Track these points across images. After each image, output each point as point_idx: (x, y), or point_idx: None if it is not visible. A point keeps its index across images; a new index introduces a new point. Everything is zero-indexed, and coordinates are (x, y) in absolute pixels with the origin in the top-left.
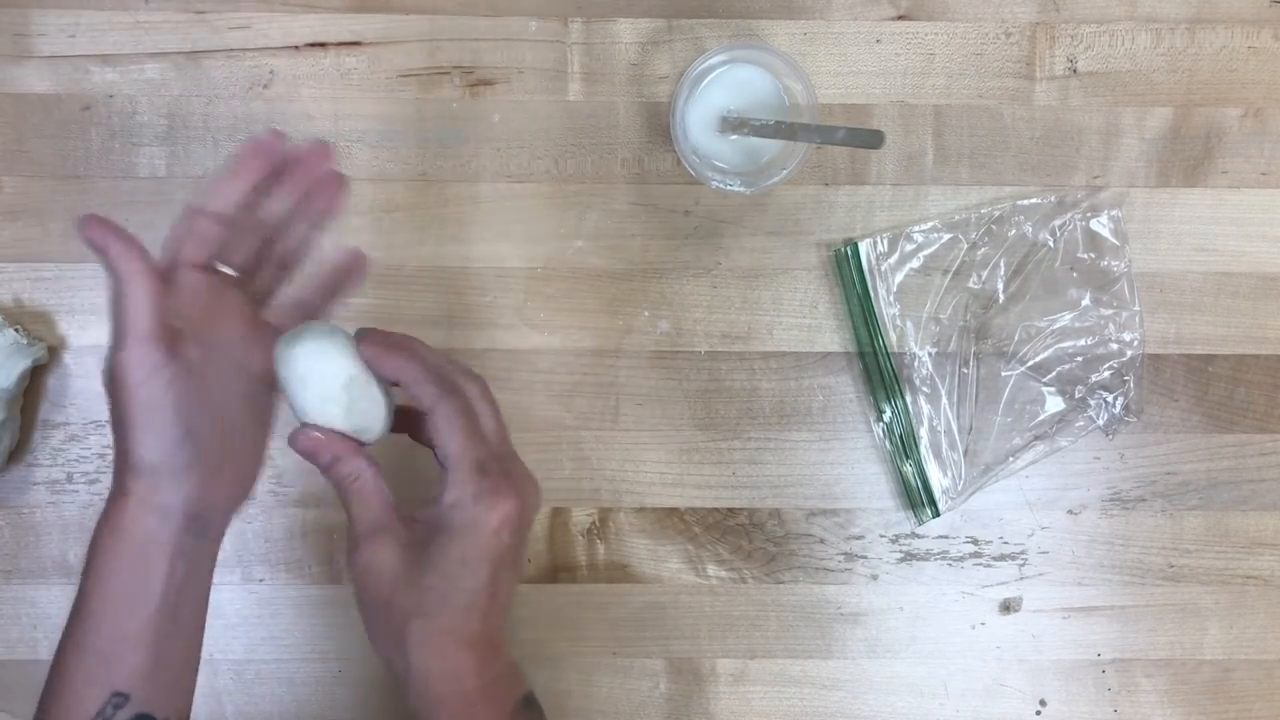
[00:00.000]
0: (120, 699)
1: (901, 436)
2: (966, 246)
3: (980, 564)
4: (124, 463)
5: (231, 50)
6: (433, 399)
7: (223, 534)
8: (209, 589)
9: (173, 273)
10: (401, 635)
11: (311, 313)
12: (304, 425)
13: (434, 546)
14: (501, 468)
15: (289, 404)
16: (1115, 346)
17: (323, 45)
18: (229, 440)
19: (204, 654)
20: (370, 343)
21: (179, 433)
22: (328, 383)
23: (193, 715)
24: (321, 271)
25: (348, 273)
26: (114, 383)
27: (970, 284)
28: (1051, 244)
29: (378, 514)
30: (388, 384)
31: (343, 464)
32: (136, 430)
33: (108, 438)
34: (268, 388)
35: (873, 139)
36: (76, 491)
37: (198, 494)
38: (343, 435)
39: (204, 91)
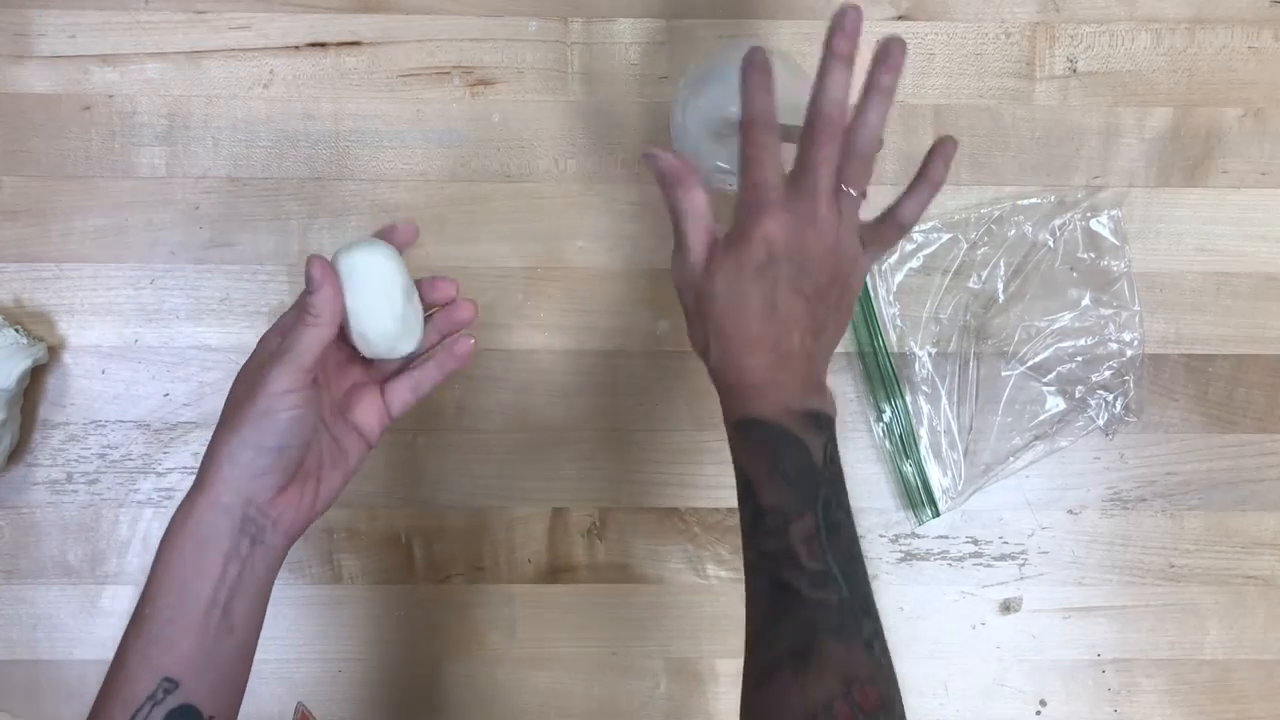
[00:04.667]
0: (170, 684)
1: (901, 436)
2: (966, 246)
3: (980, 564)
4: (212, 457)
5: (231, 50)
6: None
7: (280, 553)
8: (264, 605)
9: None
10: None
11: (421, 392)
12: (648, 154)
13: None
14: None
15: (349, 312)
16: (1115, 346)
17: (323, 45)
18: (308, 470)
19: None
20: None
21: (275, 444)
22: (385, 288)
23: None
24: (432, 357)
25: (454, 358)
26: (250, 388)
27: (970, 284)
28: (1051, 244)
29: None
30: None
31: (685, 189)
32: (244, 428)
33: (108, 437)
34: (359, 443)
35: None
36: (76, 491)
37: (261, 502)
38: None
39: (204, 91)
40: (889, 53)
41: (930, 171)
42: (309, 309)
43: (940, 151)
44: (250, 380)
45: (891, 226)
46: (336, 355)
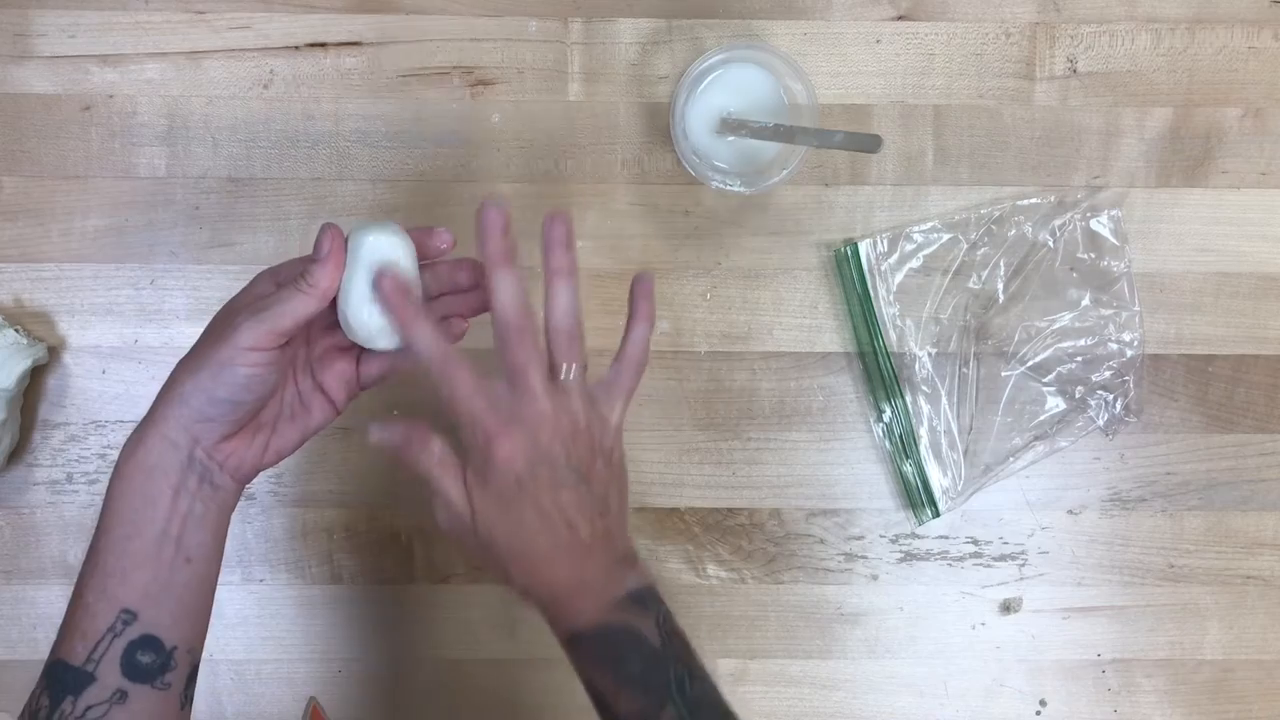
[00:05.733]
0: (128, 615)
1: (901, 436)
2: (966, 246)
3: (980, 564)
4: (167, 392)
5: (231, 50)
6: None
7: (230, 494)
8: (220, 540)
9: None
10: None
11: (398, 368)
12: (377, 433)
13: None
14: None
15: (341, 289)
16: (1115, 346)
17: (323, 45)
18: (262, 422)
19: (204, 654)
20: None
21: (226, 397)
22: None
23: (193, 716)
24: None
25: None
26: (221, 333)
27: (970, 284)
28: (1051, 244)
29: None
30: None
31: (421, 447)
32: (202, 372)
33: (108, 438)
34: (325, 405)
35: (870, 143)
36: (76, 491)
37: (207, 444)
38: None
39: (204, 91)
40: (553, 234)
41: (638, 310)
42: (306, 277)
43: (640, 290)
44: (228, 320)
45: (627, 370)
46: (325, 317)
